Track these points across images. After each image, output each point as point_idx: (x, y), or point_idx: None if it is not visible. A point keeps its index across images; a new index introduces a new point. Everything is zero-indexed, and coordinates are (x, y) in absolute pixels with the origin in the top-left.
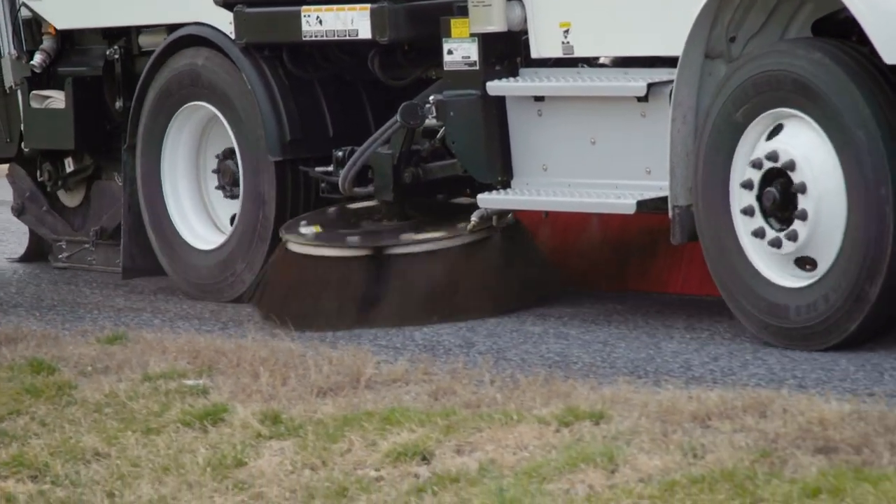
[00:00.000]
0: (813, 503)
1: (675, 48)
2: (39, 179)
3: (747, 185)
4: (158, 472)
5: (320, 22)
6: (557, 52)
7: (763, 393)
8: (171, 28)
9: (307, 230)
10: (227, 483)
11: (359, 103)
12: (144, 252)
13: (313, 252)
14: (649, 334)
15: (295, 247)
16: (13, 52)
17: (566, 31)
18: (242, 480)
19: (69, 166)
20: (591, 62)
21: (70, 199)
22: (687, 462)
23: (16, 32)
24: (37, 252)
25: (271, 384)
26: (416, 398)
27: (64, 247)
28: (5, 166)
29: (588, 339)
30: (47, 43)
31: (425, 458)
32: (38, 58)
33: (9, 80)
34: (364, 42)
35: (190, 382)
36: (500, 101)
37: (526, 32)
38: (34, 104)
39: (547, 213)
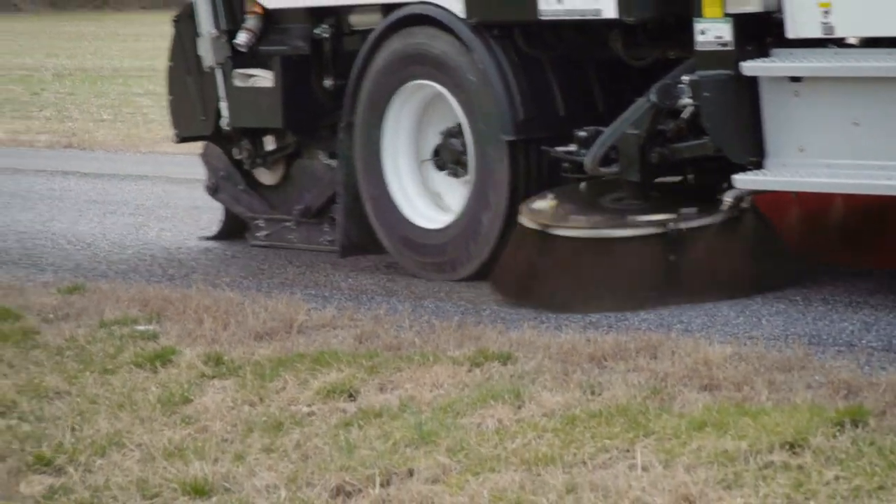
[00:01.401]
0: (699, 435)
1: None
2: (237, 157)
3: None
4: (114, 409)
5: (559, 1)
6: (816, 33)
7: (653, 336)
8: (386, 7)
9: (577, 217)
10: (176, 418)
11: (586, 83)
12: (361, 230)
13: (596, 235)
14: None
15: (569, 231)
16: (213, 31)
17: (826, 12)
18: (189, 415)
19: (269, 145)
20: (839, 43)
21: (268, 178)
22: (585, 398)
23: (217, 12)
24: (232, 230)
25: (214, 329)
26: (343, 341)
27: (262, 225)
28: (197, 144)
29: None
30: (252, 22)
31: (352, 396)
32: (243, 37)
33: (209, 60)
34: (606, 22)
35: (141, 328)
36: (753, 81)
37: (777, 12)
38: (237, 83)
39: (797, 193)
